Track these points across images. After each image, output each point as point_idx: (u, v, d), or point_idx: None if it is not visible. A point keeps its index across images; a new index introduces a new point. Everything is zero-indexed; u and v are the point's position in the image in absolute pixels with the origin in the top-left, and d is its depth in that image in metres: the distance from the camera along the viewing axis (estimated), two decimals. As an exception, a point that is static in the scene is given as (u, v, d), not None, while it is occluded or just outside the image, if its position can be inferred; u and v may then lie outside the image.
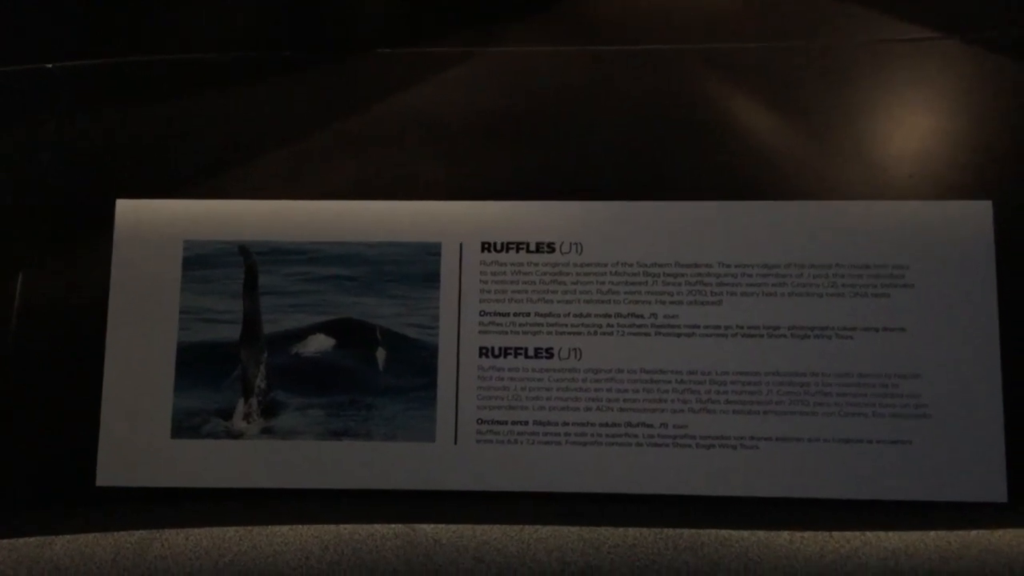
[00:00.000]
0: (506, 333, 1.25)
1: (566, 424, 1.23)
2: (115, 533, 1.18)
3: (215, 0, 1.41)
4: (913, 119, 1.30)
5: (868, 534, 1.15)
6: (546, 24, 1.38)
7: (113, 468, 1.24)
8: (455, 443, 1.23)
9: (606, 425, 1.23)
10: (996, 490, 1.18)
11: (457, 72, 1.36)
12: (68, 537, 1.18)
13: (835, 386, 1.21)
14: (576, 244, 1.26)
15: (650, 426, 1.22)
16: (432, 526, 1.17)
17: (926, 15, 1.33)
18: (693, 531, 1.16)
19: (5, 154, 1.35)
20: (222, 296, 1.27)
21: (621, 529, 1.17)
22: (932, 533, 1.15)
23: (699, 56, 1.34)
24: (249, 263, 1.28)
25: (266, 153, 1.33)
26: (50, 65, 1.38)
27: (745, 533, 1.16)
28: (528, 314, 1.25)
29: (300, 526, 1.18)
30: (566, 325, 1.25)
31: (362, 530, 1.17)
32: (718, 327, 1.24)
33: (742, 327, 1.23)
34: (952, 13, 1.33)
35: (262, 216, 1.29)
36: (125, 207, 1.30)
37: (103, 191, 1.31)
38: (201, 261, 1.28)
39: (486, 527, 1.17)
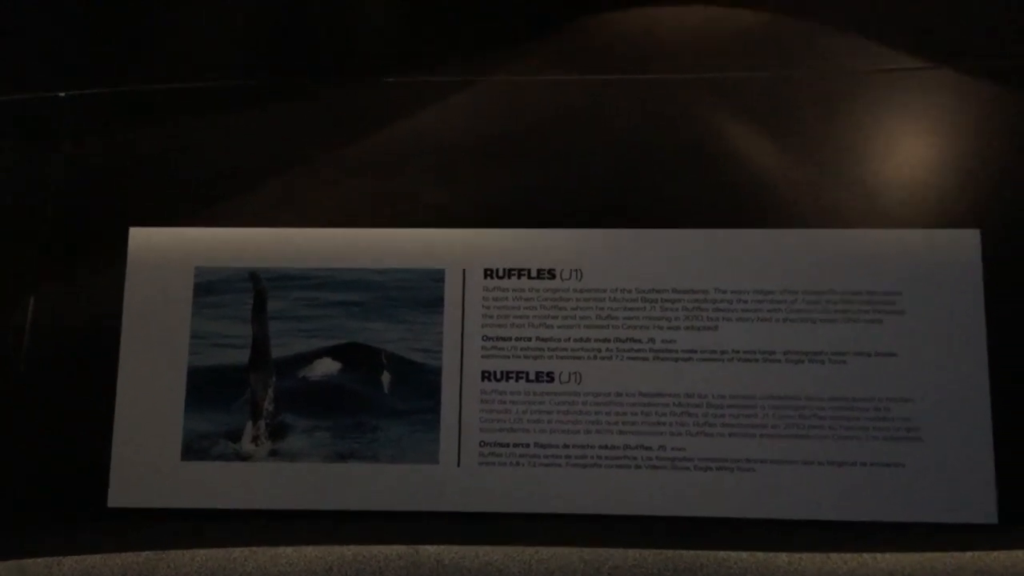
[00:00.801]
0: (508, 357, 1.26)
1: (567, 447, 1.24)
2: (122, 554, 1.18)
3: (226, 33, 1.43)
4: (905, 148, 1.30)
5: (864, 556, 1.15)
6: (548, 53, 1.39)
7: (124, 489, 1.24)
8: (458, 465, 1.24)
9: (606, 447, 1.23)
10: (987, 512, 1.19)
11: (461, 100, 1.37)
12: (76, 558, 1.18)
13: (829, 410, 1.22)
14: (576, 271, 1.27)
15: (649, 448, 1.23)
16: (435, 547, 1.17)
17: (919, 45, 1.34)
18: (693, 552, 1.16)
19: (21, 181, 1.36)
20: (232, 321, 1.28)
21: (621, 550, 1.16)
22: (928, 555, 1.15)
23: (697, 85, 1.35)
24: (258, 289, 1.29)
25: (276, 181, 1.34)
26: (63, 94, 1.39)
27: (744, 555, 1.16)
28: (529, 339, 1.26)
29: (305, 547, 1.18)
30: (566, 349, 1.26)
31: (366, 551, 1.17)
32: (714, 352, 1.25)
33: (738, 352, 1.24)
34: (945, 43, 1.34)
35: (271, 243, 1.30)
36: (138, 235, 1.31)
37: (116, 218, 1.32)
38: (212, 287, 1.29)
39: (488, 548, 1.17)
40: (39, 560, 1.18)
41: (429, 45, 1.41)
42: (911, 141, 1.31)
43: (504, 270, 1.28)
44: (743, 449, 1.23)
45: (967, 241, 1.25)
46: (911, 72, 1.33)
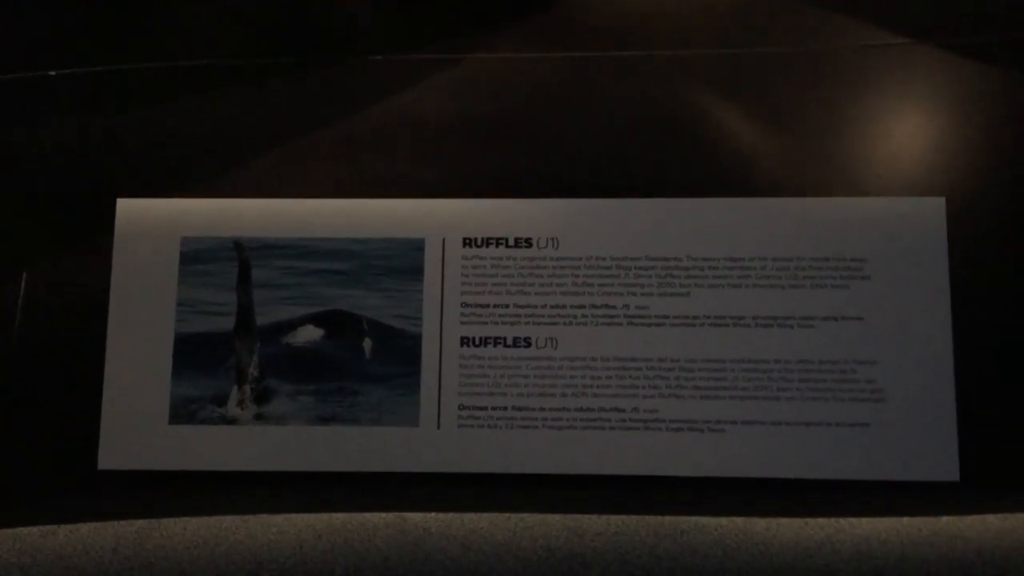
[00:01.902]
0: (486, 323, 1.26)
1: (543, 409, 1.24)
2: (116, 523, 1.17)
3: (211, 9, 1.41)
4: (875, 120, 1.30)
5: (841, 521, 1.15)
6: (529, 32, 1.38)
7: (114, 452, 1.24)
8: (438, 428, 1.24)
9: (581, 410, 1.24)
10: (949, 470, 1.19)
11: (442, 77, 1.36)
12: (70, 527, 1.17)
13: (796, 372, 1.23)
14: (552, 239, 1.28)
15: (622, 411, 1.24)
16: (422, 515, 1.16)
17: (891, 23, 1.34)
18: (673, 518, 1.15)
19: (11, 157, 1.35)
20: (217, 289, 1.28)
21: (604, 517, 1.16)
22: (904, 520, 1.15)
23: (675, 62, 1.35)
24: (243, 258, 1.28)
25: (260, 154, 1.33)
26: (53, 72, 1.37)
27: (723, 520, 1.15)
28: (507, 305, 1.26)
29: (294, 515, 1.17)
30: (543, 316, 1.26)
31: (354, 519, 1.16)
32: (686, 317, 1.25)
33: (709, 317, 1.25)
34: (916, 21, 1.34)
35: (256, 213, 1.29)
36: (125, 206, 1.30)
37: (104, 191, 1.31)
38: (197, 256, 1.28)
39: (474, 515, 1.16)
40: (33, 529, 1.17)
41: (414, 23, 1.40)
42: (879, 114, 1.31)
43: (482, 239, 1.28)
44: (713, 411, 1.23)
45: (932, 209, 1.25)
46: (883, 49, 1.33)
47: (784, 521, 1.16)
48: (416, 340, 1.27)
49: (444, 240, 1.29)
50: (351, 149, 1.34)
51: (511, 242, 1.29)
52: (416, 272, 1.29)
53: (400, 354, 1.27)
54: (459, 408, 1.26)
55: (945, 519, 1.16)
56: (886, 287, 1.25)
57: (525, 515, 1.17)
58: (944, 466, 1.21)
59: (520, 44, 1.38)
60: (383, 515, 1.18)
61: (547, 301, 1.27)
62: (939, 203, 1.26)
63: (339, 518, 1.18)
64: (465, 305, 1.28)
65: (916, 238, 1.25)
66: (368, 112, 1.36)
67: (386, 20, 1.42)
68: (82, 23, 1.42)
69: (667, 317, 1.26)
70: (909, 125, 1.31)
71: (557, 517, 1.17)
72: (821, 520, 1.16)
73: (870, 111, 1.32)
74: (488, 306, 1.28)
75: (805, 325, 1.25)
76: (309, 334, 1.28)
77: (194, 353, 1.28)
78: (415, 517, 1.17)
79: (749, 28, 1.37)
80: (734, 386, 1.24)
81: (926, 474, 1.21)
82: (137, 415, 1.26)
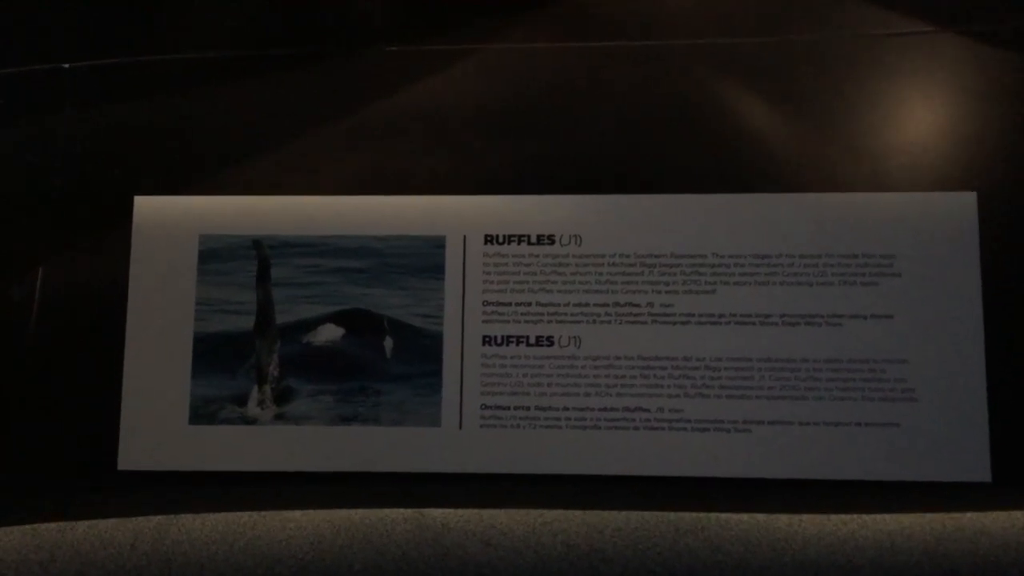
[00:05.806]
0: (508, 322, 1.25)
1: (566, 409, 1.23)
2: (134, 519, 1.18)
3: (227, 1, 1.41)
4: (902, 112, 1.29)
5: (865, 517, 1.14)
6: (547, 21, 1.37)
7: (133, 453, 1.24)
8: (460, 428, 1.24)
9: (605, 410, 1.23)
10: (981, 471, 1.18)
11: (462, 69, 1.35)
12: (89, 522, 1.18)
13: (824, 371, 1.21)
14: (575, 236, 1.27)
15: (647, 411, 1.23)
16: (441, 511, 1.17)
17: (919, 10, 1.32)
18: (694, 515, 1.15)
19: (27, 152, 1.35)
20: (236, 288, 1.28)
21: (624, 513, 1.16)
22: (927, 516, 1.14)
23: (696, 51, 1.33)
24: (262, 256, 1.28)
25: (278, 150, 1.33)
26: (67, 65, 1.37)
27: (744, 516, 1.15)
28: (529, 304, 1.26)
29: (312, 511, 1.18)
30: (566, 314, 1.25)
31: (372, 515, 1.17)
32: (712, 315, 1.24)
33: (735, 315, 1.23)
34: (945, 8, 1.32)
35: (274, 211, 1.29)
36: (143, 203, 1.30)
37: (121, 188, 1.31)
38: (216, 255, 1.28)
39: (493, 511, 1.16)
40: (52, 525, 1.18)
41: (431, 13, 1.39)
42: (908, 105, 1.29)
43: (504, 236, 1.27)
44: (740, 410, 1.22)
45: (963, 204, 1.24)
46: (909, 37, 1.32)
47: (806, 517, 1.15)
48: (437, 339, 1.27)
49: (465, 237, 1.29)
50: (371, 145, 1.34)
51: (533, 239, 1.28)
52: (437, 270, 1.28)
53: (421, 353, 1.27)
54: (481, 408, 1.25)
55: (969, 515, 1.15)
56: (916, 284, 1.23)
57: (544, 511, 1.17)
58: (976, 466, 1.20)
59: (542, 34, 1.37)
60: (402, 511, 1.18)
61: (570, 299, 1.27)
62: (970, 198, 1.25)
63: (357, 514, 1.18)
64: (487, 303, 1.27)
65: (947, 234, 1.24)
66: (388, 107, 1.35)
67: (405, 11, 1.41)
68: (95, 15, 1.42)
69: (692, 315, 1.25)
70: (939, 118, 1.30)
71: (577, 513, 1.17)
72: (844, 516, 1.15)
73: (899, 103, 1.30)
74: (510, 304, 1.27)
75: (833, 323, 1.23)
76: (329, 333, 1.28)
77: (213, 353, 1.28)
78: (434, 513, 1.18)
79: (774, 17, 1.36)
80: (761, 386, 1.23)
81: (958, 474, 1.20)
82: (157, 415, 1.26)
